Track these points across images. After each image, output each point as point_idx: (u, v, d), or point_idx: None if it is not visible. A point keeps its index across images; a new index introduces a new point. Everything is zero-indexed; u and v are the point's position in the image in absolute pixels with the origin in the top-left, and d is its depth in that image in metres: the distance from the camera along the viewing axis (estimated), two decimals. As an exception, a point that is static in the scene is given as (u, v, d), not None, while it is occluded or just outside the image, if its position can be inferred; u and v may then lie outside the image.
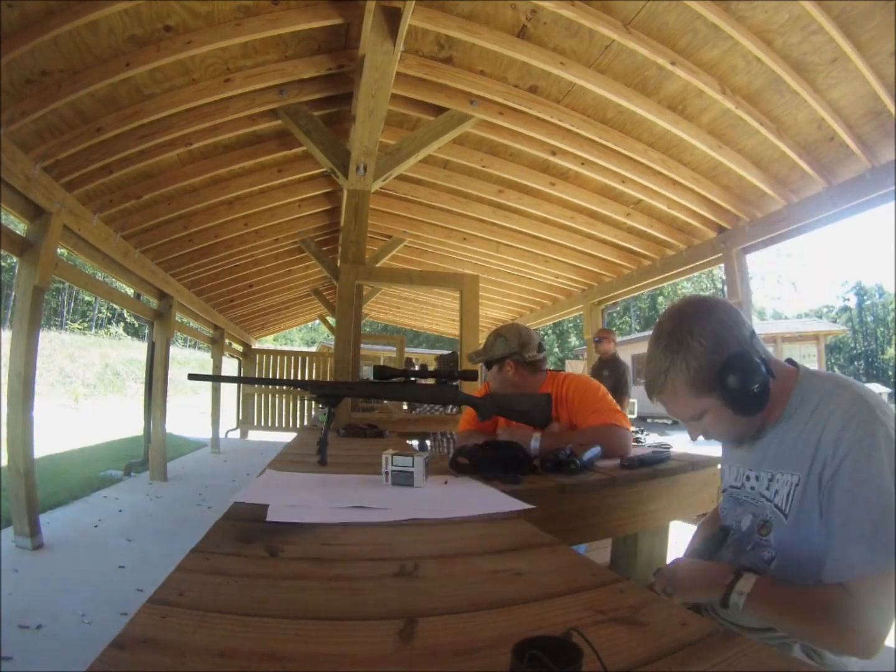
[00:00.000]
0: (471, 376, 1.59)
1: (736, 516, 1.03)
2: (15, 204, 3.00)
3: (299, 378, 10.35)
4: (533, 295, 7.38)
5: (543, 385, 1.86)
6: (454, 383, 1.58)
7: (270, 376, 10.29)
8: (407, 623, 0.53)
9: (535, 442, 1.56)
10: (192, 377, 1.50)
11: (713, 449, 1.30)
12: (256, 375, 10.28)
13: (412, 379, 1.52)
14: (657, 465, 1.47)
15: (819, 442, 0.86)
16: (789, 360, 1.02)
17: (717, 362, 0.90)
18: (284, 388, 10.20)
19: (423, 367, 5.47)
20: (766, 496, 0.95)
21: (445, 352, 11.02)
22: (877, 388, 16.85)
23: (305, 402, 10.08)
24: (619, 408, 1.74)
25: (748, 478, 1.02)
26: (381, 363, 11.93)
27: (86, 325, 27.36)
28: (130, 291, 5.60)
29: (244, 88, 3.05)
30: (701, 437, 1.03)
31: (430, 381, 1.53)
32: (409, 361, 8.11)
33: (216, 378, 2.05)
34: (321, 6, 2.66)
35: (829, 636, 0.81)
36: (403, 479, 1.15)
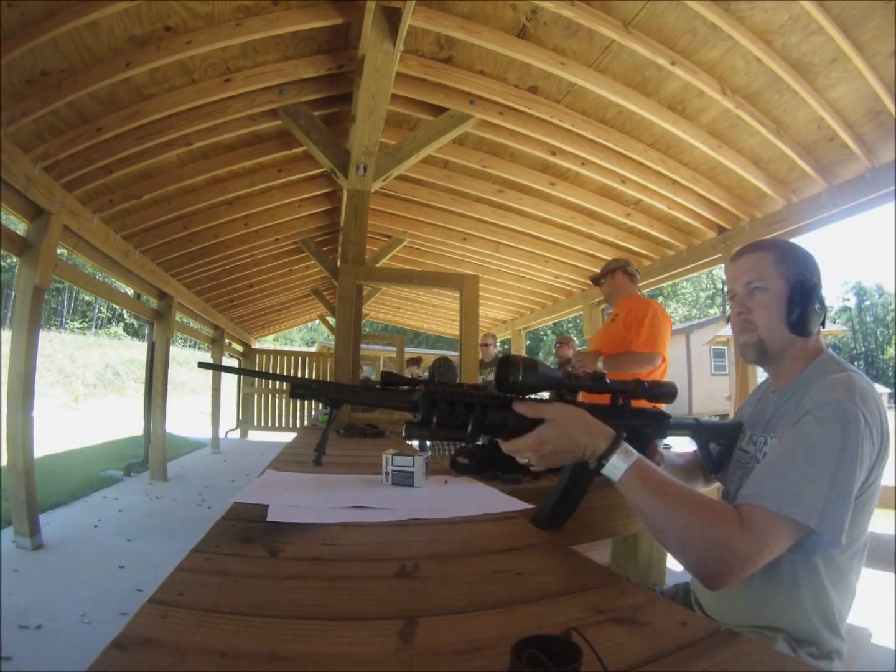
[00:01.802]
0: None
1: (736, 480, 1.06)
2: (15, 204, 3.00)
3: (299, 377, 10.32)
4: (533, 295, 7.38)
5: (632, 296, 2.92)
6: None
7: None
8: (407, 623, 0.53)
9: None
10: (202, 365, 1.51)
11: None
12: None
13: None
14: None
15: (798, 406, 0.92)
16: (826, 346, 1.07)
17: (806, 274, 1.00)
18: (285, 388, 10.17)
19: (431, 376, 5.31)
20: (758, 458, 1.00)
21: (449, 353, 11.00)
22: (877, 388, 16.87)
23: (305, 402, 10.07)
24: (656, 339, 2.72)
25: (754, 442, 1.05)
26: (382, 363, 11.95)
27: (86, 325, 27.37)
28: (130, 291, 5.60)
29: (244, 88, 3.05)
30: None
31: None
32: (413, 361, 8.01)
33: (227, 369, 2.07)
34: (321, 6, 2.66)
35: (699, 541, 0.76)
36: (403, 479, 1.15)
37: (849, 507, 0.80)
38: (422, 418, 0.79)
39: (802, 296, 0.97)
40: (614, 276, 2.94)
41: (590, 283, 6.28)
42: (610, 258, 5.43)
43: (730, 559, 0.75)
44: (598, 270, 3.06)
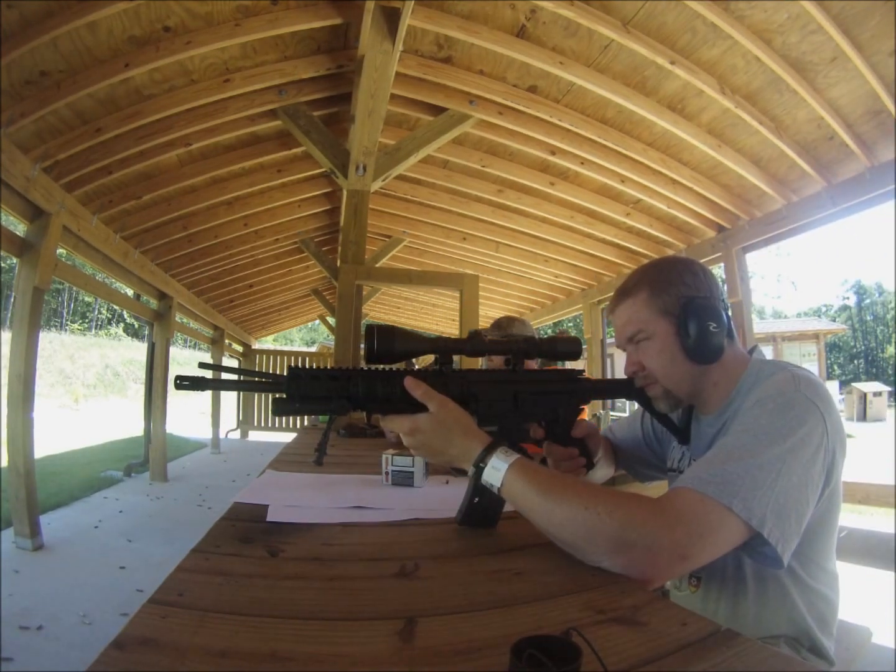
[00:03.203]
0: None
1: None
2: (14, 205, 3.00)
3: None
4: (533, 295, 7.38)
5: None
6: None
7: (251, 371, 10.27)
8: (407, 623, 0.53)
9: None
10: (202, 366, 1.52)
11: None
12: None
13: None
14: None
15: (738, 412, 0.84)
16: (750, 350, 0.99)
17: (686, 293, 0.90)
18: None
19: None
20: None
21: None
22: (877, 386, 16.85)
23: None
24: None
25: (690, 460, 1.00)
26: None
27: (86, 325, 27.37)
28: (130, 292, 5.60)
29: (243, 89, 3.05)
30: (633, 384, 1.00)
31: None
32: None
33: (226, 369, 2.09)
34: (320, 6, 2.66)
35: (607, 527, 0.65)
36: (403, 479, 1.15)
37: (800, 511, 0.71)
38: (287, 393, 0.78)
39: (691, 322, 0.88)
40: None
41: (588, 283, 6.31)
42: (609, 258, 5.47)
43: (650, 549, 0.64)
44: (491, 330, 2.22)
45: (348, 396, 0.79)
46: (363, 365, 0.87)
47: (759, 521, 0.66)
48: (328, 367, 0.83)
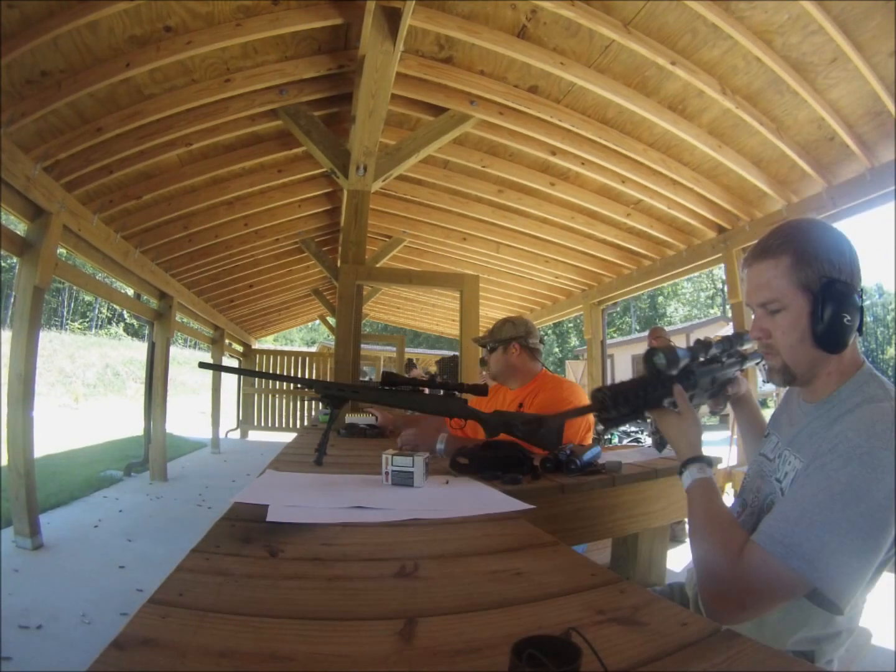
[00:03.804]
0: (481, 391, 1.60)
1: (755, 487, 0.99)
2: (15, 204, 3.00)
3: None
4: (533, 295, 7.38)
5: (536, 377, 2.00)
6: (461, 395, 1.58)
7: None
8: (407, 623, 0.53)
9: (440, 444, 1.55)
10: (202, 365, 1.59)
11: (713, 449, 1.30)
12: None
13: (420, 388, 1.54)
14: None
15: (828, 436, 0.82)
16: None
17: (830, 272, 0.84)
18: (285, 388, 10.17)
19: (432, 377, 5.47)
20: (778, 476, 0.92)
21: (447, 353, 11.01)
22: (877, 388, 16.84)
23: (306, 402, 10.07)
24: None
25: (779, 455, 0.96)
26: (382, 364, 11.95)
27: (86, 325, 27.34)
28: (130, 292, 5.60)
29: (244, 89, 3.05)
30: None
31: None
32: (410, 362, 8.09)
33: (226, 369, 2.11)
34: (321, 6, 2.66)
35: (710, 575, 0.79)
36: (403, 480, 1.15)
37: (862, 567, 0.72)
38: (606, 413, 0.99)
39: (828, 306, 0.83)
40: (507, 349, 2.01)
41: (588, 284, 6.32)
42: (610, 258, 5.46)
43: (717, 591, 0.77)
44: (484, 335, 2.13)
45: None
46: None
47: (820, 579, 0.72)
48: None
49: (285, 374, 10.44)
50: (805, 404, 0.95)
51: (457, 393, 1.56)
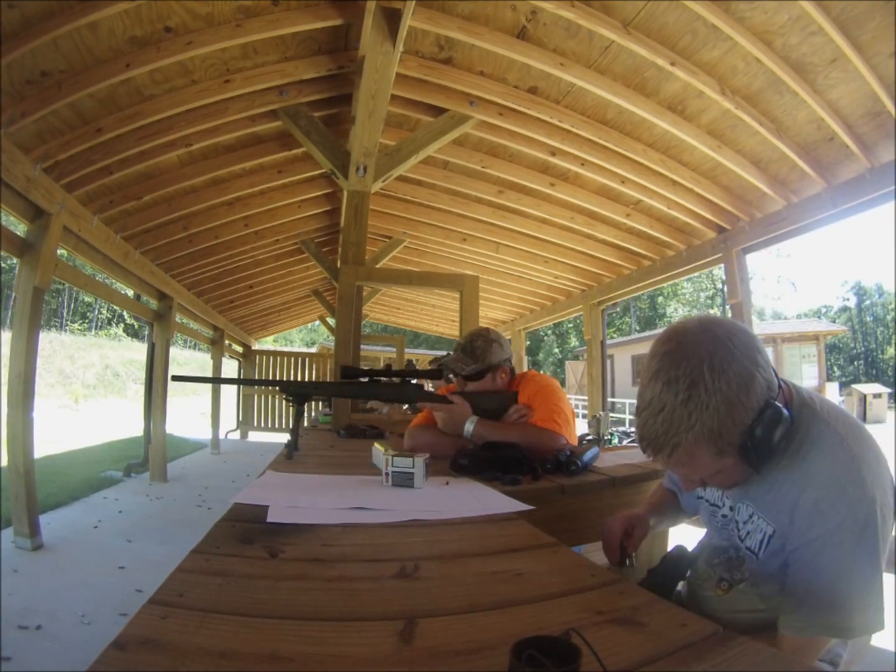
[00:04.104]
0: (435, 375, 1.66)
1: (710, 536, 1.03)
2: (15, 205, 3.00)
3: (299, 379, 10.35)
4: (533, 295, 7.38)
5: (512, 384, 1.84)
6: (415, 382, 1.66)
7: (270, 377, 10.29)
8: (407, 624, 0.53)
9: (469, 424, 1.54)
10: (175, 378, 1.69)
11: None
12: (256, 376, 10.29)
13: (376, 378, 1.61)
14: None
15: (798, 503, 0.80)
16: (780, 380, 0.86)
17: (747, 421, 0.75)
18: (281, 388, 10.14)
19: (388, 366, 5.56)
20: (740, 535, 0.91)
21: (441, 353, 11.04)
22: (877, 388, 16.84)
23: (305, 403, 10.05)
24: (563, 413, 1.61)
25: (731, 507, 0.96)
26: (382, 364, 11.96)
27: (86, 326, 27.35)
28: (130, 292, 5.60)
29: (244, 89, 3.05)
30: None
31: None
32: (409, 363, 8.08)
33: (196, 379, 2.15)
34: (321, 7, 2.66)
35: None
36: (404, 480, 1.15)
37: (881, 592, 0.79)
38: None
39: (758, 450, 0.77)
40: (497, 374, 1.78)
41: (588, 284, 6.32)
42: (609, 259, 5.46)
43: None
44: (464, 357, 1.78)
45: None
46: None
47: (852, 631, 0.78)
48: None
49: (285, 374, 10.46)
50: None
51: (411, 380, 1.64)
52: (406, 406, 3.94)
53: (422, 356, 15.42)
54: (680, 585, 1.08)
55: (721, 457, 0.78)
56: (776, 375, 0.82)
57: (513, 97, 3.20)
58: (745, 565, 0.91)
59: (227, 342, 8.84)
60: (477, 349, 1.75)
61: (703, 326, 0.80)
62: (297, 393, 1.57)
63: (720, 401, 0.73)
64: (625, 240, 5.01)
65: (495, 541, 0.83)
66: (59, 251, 3.54)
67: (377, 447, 1.42)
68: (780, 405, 0.78)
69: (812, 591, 0.79)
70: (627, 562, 1.04)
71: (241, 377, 10.16)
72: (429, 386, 3.79)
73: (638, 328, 31.46)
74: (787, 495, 0.82)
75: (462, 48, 2.96)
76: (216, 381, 4.51)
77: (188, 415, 12.71)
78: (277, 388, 1.92)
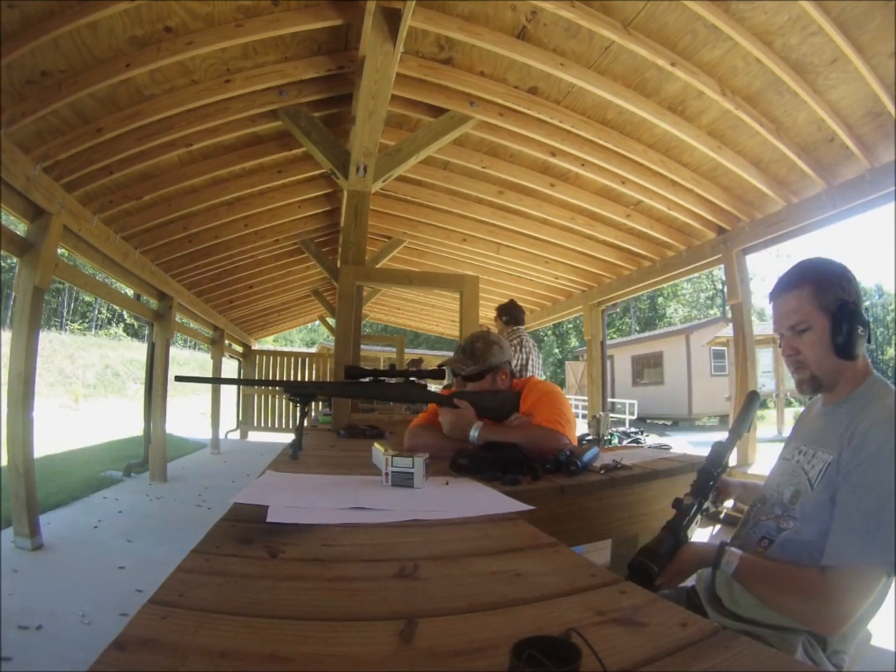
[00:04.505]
0: (439, 375, 1.66)
1: (778, 486, 1.09)
2: (15, 204, 3.00)
3: (298, 379, 10.35)
4: (533, 296, 7.38)
5: (514, 388, 1.82)
6: (421, 382, 1.66)
7: (270, 377, 10.28)
8: (407, 624, 0.53)
9: (475, 431, 1.54)
10: (178, 379, 1.68)
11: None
12: (256, 376, 10.29)
13: (379, 378, 1.61)
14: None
15: (854, 431, 0.94)
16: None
17: (845, 299, 1.01)
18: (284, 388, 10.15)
19: (392, 366, 5.57)
20: (805, 469, 1.03)
21: (450, 354, 11.05)
22: None
23: (311, 402, 10.06)
24: (566, 416, 1.62)
25: (800, 452, 1.08)
26: (382, 364, 11.95)
27: (86, 325, 27.34)
28: (130, 292, 5.60)
29: (244, 89, 3.05)
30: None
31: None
32: (416, 361, 8.05)
33: (199, 380, 2.15)
34: (321, 7, 2.66)
35: (801, 611, 0.90)
36: (403, 480, 1.15)
37: None
38: None
39: (845, 323, 1.00)
40: (497, 377, 1.77)
41: (588, 285, 6.32)
42: (610, 259, 5.46)
43: (826, 623, 0.88)
44: (464, 358, 1.77)
45: None
46: None
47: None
48: None
49: (285, 374, 10.46)
50: (824, 407, 1.11)
51: (415, 379, 1.64)
52: (405, 407, 3.94)
53: (428, 356, 15.39)
54: (692, 580, 1.14)
55: (817, 308, 1.02)
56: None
57: (513, 97, 3.20)
58: (794, 509, 1.00)
59: (227, 342, 8.83)
60: (477, 350, 1.76)
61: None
62: (301, 393, 1.56)
63: (831, 279, 1.04)
64: (625, 240, 5.01)
65: (495, 541, 0.83)
66: (59, 251, 3.54)
67: (377, 447, 1.42)
68: (864, 315, 1.02)
69: (859, 513, 0.86)
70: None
71: (241, 377, 10.17)
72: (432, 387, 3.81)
73: (638, 329, 31.45)
74: (847, 428, 0.97)
75: (462, 48, 2.96)
76: (218, 381, 4.50)
77: (188, 415, 12.71)
78: (279, 388, 1.90)
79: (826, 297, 1.02)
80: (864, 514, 0.86)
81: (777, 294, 1.10)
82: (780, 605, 0.93)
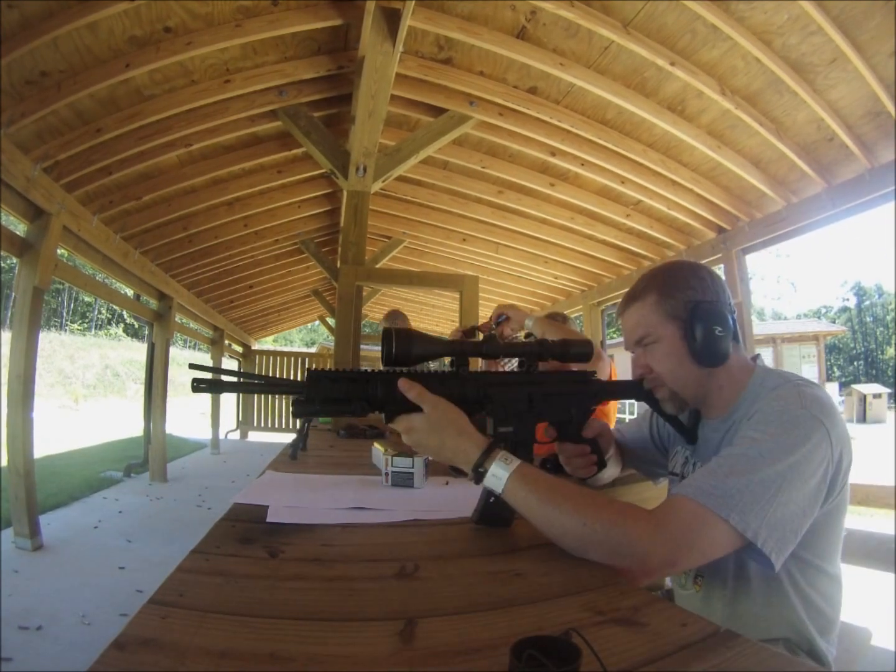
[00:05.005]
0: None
1: None
2: (15, 205, 3.01)
3: (299, 379, 10.35)
4: (532, 296, 7.38)
5: None
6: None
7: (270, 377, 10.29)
8: (407, 624, 0.53)
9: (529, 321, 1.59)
10: (192, 367, 1.61)
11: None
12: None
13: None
14: None
15: (742, 424, 0.86)
16: (753, 358, 1.00)
17: (693, 297, 0.92)
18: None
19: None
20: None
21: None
22: (876, 388, 16.86)
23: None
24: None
25: (692, 464, 1.02)
26: (381, 364, 11.95)
27: (85, 325, 27.36)
28: (130, 292, 5.60)
29: (244, 89, 3.05)
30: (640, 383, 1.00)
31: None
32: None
33: (216, 370, 2.14)
34: (321, 7, 2.66)
35: (601, 542, 0.70)
36: (403, 480, 1.15)
37: (796, 523, 0.74)
38: (306, 395, 0.78)
39: (697, 325, 0.89)
40: None
41: (588, 284, 6.32)
42: (609, 259, 5.46)
43: (641, 560, 0.69)
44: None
45: (367, 398, 0.80)
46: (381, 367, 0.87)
47: (753, 532, 0.71)
48: (347, 370, 0.83)
49: (285, 374, 10.46)
50: (710, 422, 0.99)
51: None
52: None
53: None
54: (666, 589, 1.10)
55: (665, 317, 0.92)
56: (754, 357, 0.98)
57: (513, 97, 3.20)
58: None
59: (226, 342, 8.84)
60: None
61: (693, 261, 1.04)
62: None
63: (678, 279, 0.94)
64: (625, 240, 5.01)
65: (495, 541, 0.83)
66: (58, 251, 3.54)
67: (377, 447, 1.43)
68: (729, 316, 0.91)
69: (714, 462, 0.78)
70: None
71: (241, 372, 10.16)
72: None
73: (638, 328, 31.39)
74: (738, 425, 0.88)
75: (462, 48, 2.96)
76: (255, 377, 4.50)
77: (188, 415, 12.71)
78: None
79: (671, 303, 0.92)
80: (735, 468, 0.75)
81: (621, 310, 1.01)
82: (570, 528, 0.71)
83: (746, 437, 0.80)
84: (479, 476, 0.77)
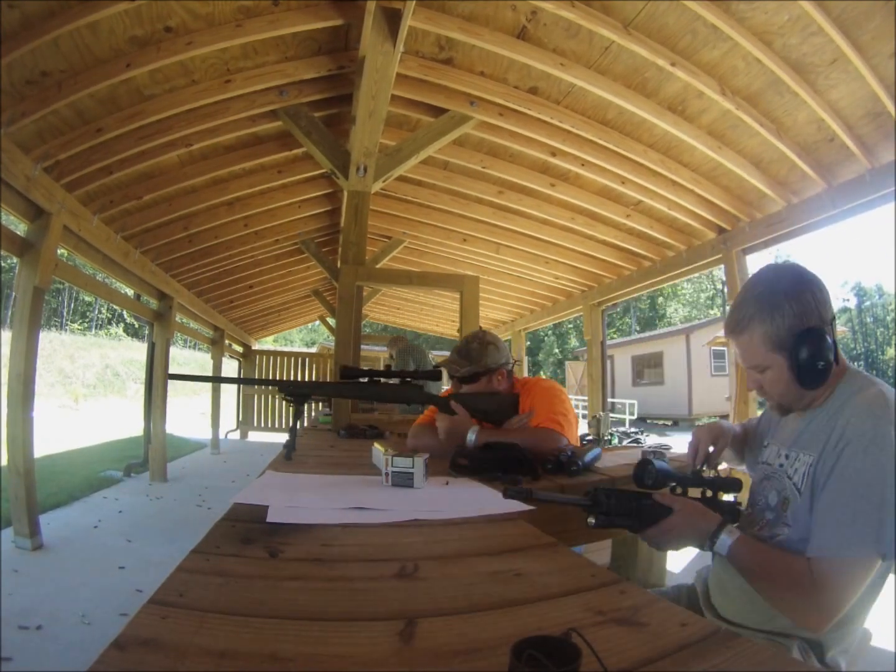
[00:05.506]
0: (435, 376, 1.65)
1: (763, 490, 1.08)
2: (15, 204, 3.00)
3: (299, 379, 10.35)
4: (533, 296, 7.38)
5: (513, 389, 1.80)
6: (418, 383, 1.66)
7: (270, 377, 10.29)
8: (407, 624, 0.53)
9: (472, 434, 1.51)
10: (171, 377, 1.79)
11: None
12: (256, 376, 10.29)
13: (376, 379, 1.60)
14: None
15: (834, 427, 0.92)
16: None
17: (797, 328, 0.96)
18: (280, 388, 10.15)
19: (388, 367, 5.54)
20: (789, 474, 1.01)
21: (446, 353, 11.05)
22: (877, 388, 16.82)
23: (307, 403, 10.06)
24: (566, 416, 1.59)
25: (782, 455, 1.06)
26: (382, 364, 11.95)
27: (86, 325, 27.34)
28: (130, 292, 5.60)
29: (244, 89, 3.05)
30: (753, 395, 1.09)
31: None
32: (394, 341, 7.83)
33: (195, 378, 2.15)
34: (321, 7, 2.66)
35: (787, 602, 0.87)
36: (403, 480, 1.15)
37: None
38: (599, 508, 0.92)
39: (802, 355, 0.96)
40: (493, 378, 1.75)
41: (588, 285, 6.31)
42: (610, 259, 5.46)
43: (812, 616, 0.84)
44: (459, 360, 1.75)
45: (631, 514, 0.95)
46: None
47: (889, 551, 0.81)
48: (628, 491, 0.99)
49: (285, 374, 10.47)
50: (802, 412, 1.07)
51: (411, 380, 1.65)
52: (400, 408, 3.93)
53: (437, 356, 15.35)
54: (692, 577, 1.15)
55: (771, 351, 0.98)
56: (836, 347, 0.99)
57: (513, 97, 3.20)
58: (787, 515, 0.98)
59: (227, 342, 8.84)
60: (472, 351, 1.73)
61: (791, 266, 1.06)
62: (297, 393, 1.57)
63: (781, 306, 0.97)
64: (625, 240, 5.01)
65: (495, 541, 0.83)
66: (59, 251, 3.54)
67: (377, 447, 1.43)
68: (829, 340, 0.96)
69: (839, 503, 0.85)
70: (704, 468, 1.16)
71: (241, 377, 10.17)
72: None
73: (638, 329, 31.45)
74: (827, 426, 0.95)
75: (462, 48, 2.96)
76: (212, 379, 4.51)
77: (188, 415, 12.71)
78: (277, 388, 1.90)
79: (777, 336, 0.97)
80: (843, 504, 0.85)
81: (730, 335, 1.07)
82: (768, 591, 0.90)
83: (846, 469, 0.87)
84: (711, 545, 0.92)
